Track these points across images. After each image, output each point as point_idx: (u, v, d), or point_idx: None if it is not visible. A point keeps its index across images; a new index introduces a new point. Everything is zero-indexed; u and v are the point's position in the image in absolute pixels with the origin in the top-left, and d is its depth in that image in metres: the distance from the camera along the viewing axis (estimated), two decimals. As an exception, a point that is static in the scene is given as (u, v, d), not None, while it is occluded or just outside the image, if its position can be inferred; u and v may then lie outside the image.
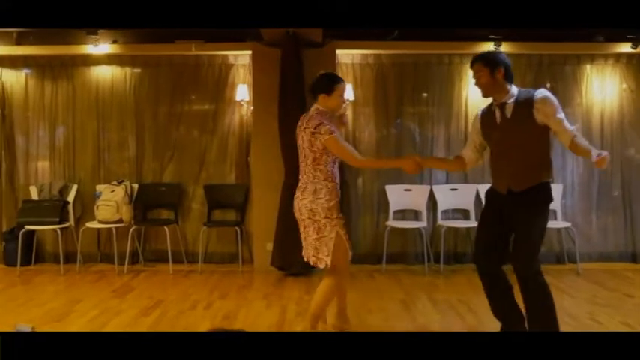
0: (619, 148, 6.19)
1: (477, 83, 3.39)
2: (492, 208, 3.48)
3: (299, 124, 3.58)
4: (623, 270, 5.86)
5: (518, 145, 3.29)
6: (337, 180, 3.57)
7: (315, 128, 3.42)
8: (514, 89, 3.33)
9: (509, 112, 3.30)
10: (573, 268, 5.82)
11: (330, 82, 3.54)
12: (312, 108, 3.57)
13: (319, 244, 3.50)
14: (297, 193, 3.55)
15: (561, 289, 5.14)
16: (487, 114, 3.46)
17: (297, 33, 5.51)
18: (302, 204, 3.49)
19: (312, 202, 3.45)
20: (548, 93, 3.27)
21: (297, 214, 3.56)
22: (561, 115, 3.21)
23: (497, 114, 3.35)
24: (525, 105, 3.24)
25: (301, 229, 3.58)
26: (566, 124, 3.20)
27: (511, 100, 3.29)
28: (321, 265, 3.53)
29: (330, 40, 5.74)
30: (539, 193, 3.29)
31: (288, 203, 5.56)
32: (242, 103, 6.07)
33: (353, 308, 4.41)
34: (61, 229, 5.82)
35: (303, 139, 3.49)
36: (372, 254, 6.04)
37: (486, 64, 3.32)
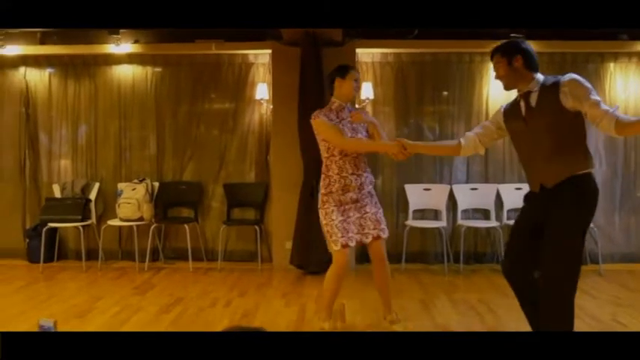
0: (643, 147, 6.10)
1: (497, 76, 3.16)
2: (527, 213, 3.18)
3: None
4: (647, 271, 5.77)
5: (547, 135, 2.96)
6: (330, 174, 3.71)
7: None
8: (539, 77, 3.05)
9: (534, 101, 3.02)
10: (596, 269, 5.74)
11: (345, 67, 3.82)
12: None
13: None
14: None
15: (584, 290, 5.07)
16: (511, 107, 3.18)
17: (316, 32, 5.51)
18: None
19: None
20: (576, 75, 2.93)
21: None
22: (596, 97, 2.82)
23: (522, 105, 3.07)
24: (552, 91, 2.94)
25: None
26: (604, 105, 2.80)
27: (536, 88, 3.02)
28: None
29: (349, 39, 5.73)
30: (575, 186, 2.90)
31: (307, 202, 5.61)
32: (262, 101, 6.09)
33: (372, 308, 4.41)
34: (83, 226, 5.90)
35: None
36: (391, 253, 5.95)
37: (503, 54, 3.10)
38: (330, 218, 3.68)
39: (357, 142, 3.73)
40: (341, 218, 3.67)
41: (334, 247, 3.65)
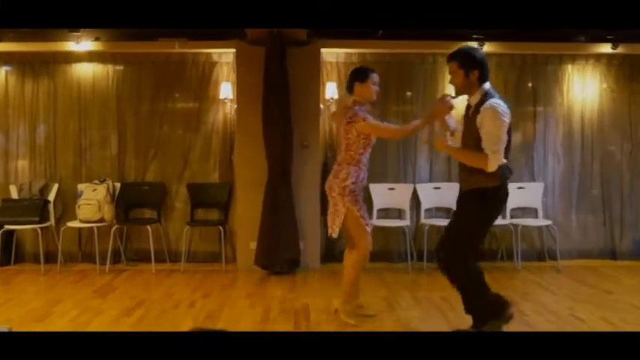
0: (598, 147, 6.28)
1: (451, 82, 3.48)
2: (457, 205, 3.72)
3: (338, 115, 4.21)
4: (603, 267, 5.95)
5: (469, 147, 3.38)
6: (361, 165, 3.98)
7: (350, 118, 3.90)
8: (484, 89, 3.35)
9: (471, 112, 3.38)
10: (554, 265, 5.88)
11: (364, 71, 4.01)
12: (350, 100, 4.03)
13: (334, 216, 4.00)
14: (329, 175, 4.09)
15: (543, 286, 5.20)
16: (466, 107, 3.54)
17: (281, 31, 5.50)
18: (328, 183, 4.05)
19: (332, 181, 3.99)
20: (496, 107, 3.22)
21: (327, 191, 4.07)
22: (493, 141, 3.21)
23: (466, 111, 3.48)
24: (478, 110, 3.29)
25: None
26: (491, 145, 3.21)
27: (475, 102, 3.35)
28: (331, 234, 4.07)
29: (314, 39, 5.73)
30: (478, 196, 3.38)
31: (272, 202, 5.59)
32: (226, 101, 6.04)
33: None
34: (41, 228, 5.75)
35: (339, 128, 4.09)
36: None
37: (461, 65, 3.36)
38: (360, 205, 3.98)
39: (406, 127, 4.09)
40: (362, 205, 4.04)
41: (368, 230, 3.99)
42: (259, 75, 5.54)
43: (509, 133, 3.30)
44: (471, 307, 3.56)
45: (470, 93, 3.40)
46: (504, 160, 3.27)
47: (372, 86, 3.97)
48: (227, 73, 6.11)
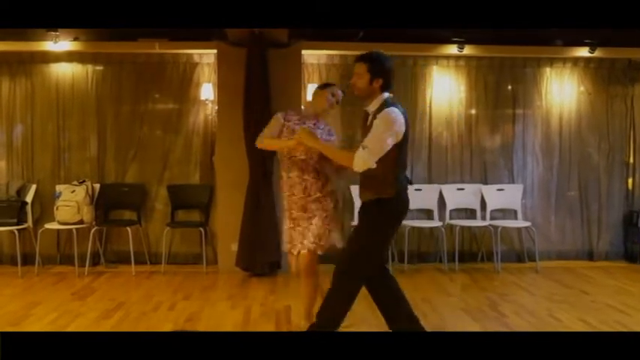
0: (576, 149, 6.37)
1: (353, 82, 3.31)
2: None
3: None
4: (580, 268, 6.03)
5: None
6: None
7: None
8: (383, 98, 3.25)
9: (369, 120, 3.28)
10: (533, 266, 5.96)
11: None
12: None
13: None
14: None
15: (521, 286, 5.26)
16: (364, 115, 3.44)
17: (262, 32, 5.49)
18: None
19: None
20: (390, 113, 3.14)
21: None
22: (371, 139, 3.12)
23: (364, 120, 3.39)
24: (376, 116, 3.21)
25: None
26: (367, 141, 3.12)
27: (372, 111, 3.27)
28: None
29: (295, 40, 5.73)
30: (373, 208, 3.28)
31: (253, 203, 5.58)
32: (207, 102, 6.02)
33: (315, 308, 4.42)
34: (18, 230, 5.67)
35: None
36: (335, 254, 6.05)
37: (369, 69, 3.25)
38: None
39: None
40: None
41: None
42: (240, 76, 5.53)
43: (402, 144, 3.22)
44: (322, 311, 3.52)
45: (369, 99, 3.30)
46: (373, 165, 3.14)
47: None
48: (208, 74, 6.08)
